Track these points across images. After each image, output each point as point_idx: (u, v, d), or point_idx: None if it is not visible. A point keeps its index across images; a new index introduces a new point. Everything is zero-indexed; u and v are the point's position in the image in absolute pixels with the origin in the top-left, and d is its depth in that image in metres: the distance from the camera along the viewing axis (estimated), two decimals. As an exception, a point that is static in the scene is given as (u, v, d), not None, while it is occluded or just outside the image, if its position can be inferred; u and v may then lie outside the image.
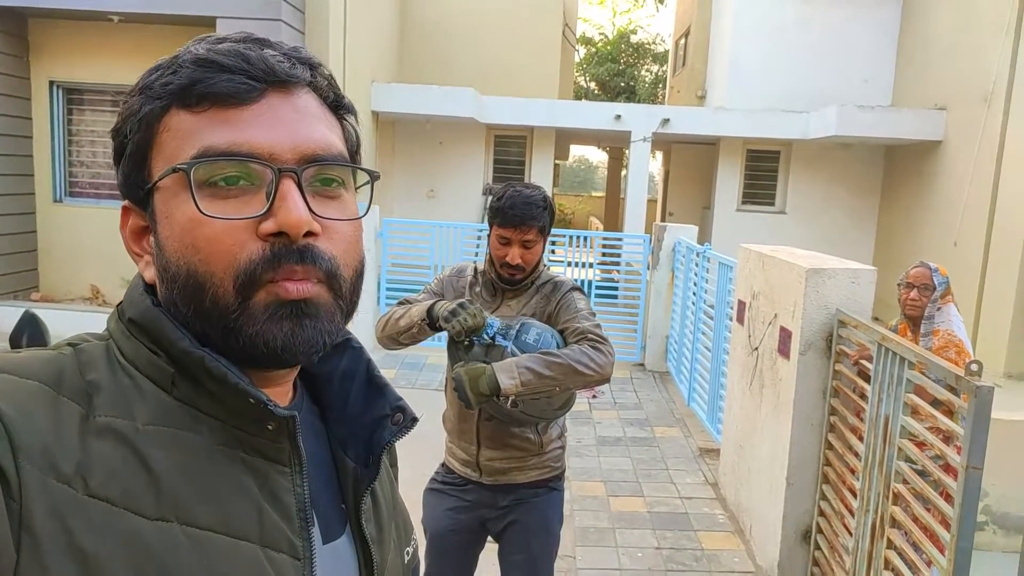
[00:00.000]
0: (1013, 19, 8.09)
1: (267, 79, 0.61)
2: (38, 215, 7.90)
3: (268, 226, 0.59)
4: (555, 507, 2.27)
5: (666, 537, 3.96)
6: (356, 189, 0.69)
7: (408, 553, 0.80)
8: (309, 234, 0.60)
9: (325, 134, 0.63)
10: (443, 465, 2.33)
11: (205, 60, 0.60)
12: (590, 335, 2.07)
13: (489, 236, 2.16)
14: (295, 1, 7.28)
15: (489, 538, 2.34)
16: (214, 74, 0.60)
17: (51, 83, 7.72)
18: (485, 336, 2.03)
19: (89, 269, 7.90)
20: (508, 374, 1.95)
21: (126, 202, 0.65)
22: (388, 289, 7.51)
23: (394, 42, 11.70)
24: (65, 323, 7.00)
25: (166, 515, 0.54)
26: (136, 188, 0.63)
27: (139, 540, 0.52)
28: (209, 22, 6.86)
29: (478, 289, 2.24)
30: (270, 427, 0.61)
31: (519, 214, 2.07)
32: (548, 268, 2.28)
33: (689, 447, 5.35)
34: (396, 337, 2.17)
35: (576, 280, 2.39)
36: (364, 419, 0.73)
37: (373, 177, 0.69)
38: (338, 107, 0.68)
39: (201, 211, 0.58)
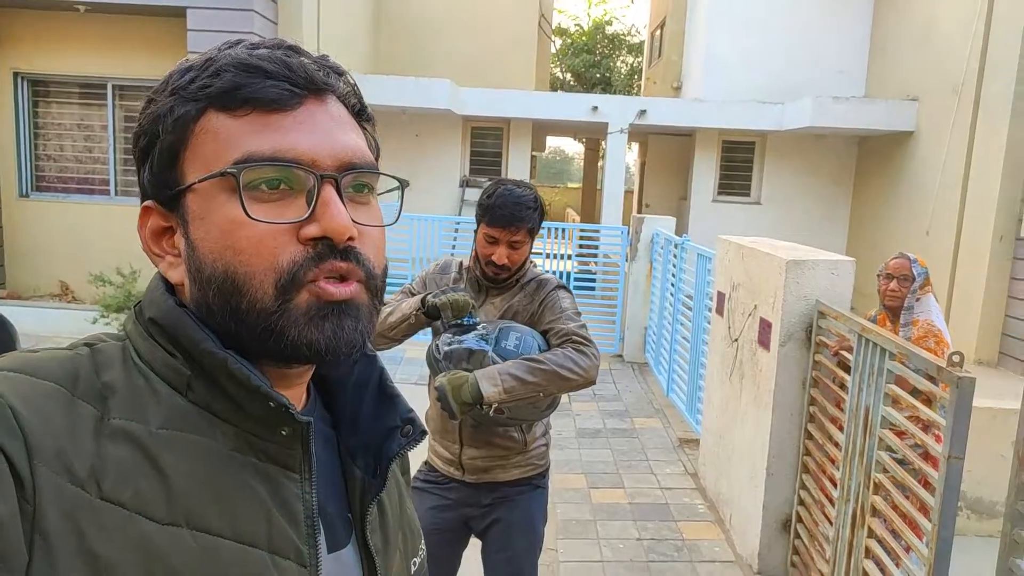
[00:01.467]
0: (983, 10, 8.19)
1: (307, 86, 0.62)
2: (3, 210, 7.72)
3: (311, 230, 0.60)
4: (539, 505, 2.25)
5: (647, 528, 3.97)
6: (378, 196, 0.70)
7: (415, 564, 0.80)
8: (349, 238, 0.61)
9: (358, 141, 0.65)
10: (425, 463, 2.30)
11: (249, 65, 0.61)
12: (574, 337, 2.05)
13: (476, 232, 2.13)
14: (267, -9, 7.15)
15: (473, 536, 2.32)
16: (259, 79, 0.61)
17: (15, 74, 7.54)
18: (469, 319, 2.02)
19: (57, 265, 7.74)
20: (491, 381, 1.93)
21: (148, 202, 0.65)
22: (365, 283, 7.44)
23: (369, 33, 11.58)
24: (33, 320, 6.85)
25: (177, 520, 0.55)
26: (164, 188, 0.63)
27: (150, 545, 0.53)
28: (179, 12, 6.74)
29: (462, 286, 2.21)
30: (284, 432, 0.62)
31: (508, 214, 2.03)
32: (534, 266, 2.25)
33: (669, 438, 5.37)
34: (386, 333, 2.14)
35: (554, 272, 2.37)
36: (374, 429, 0.74)
37: (403, 185, 0.70)
38: (362, 115, 0.70)
39: (248, 215, 0.59)
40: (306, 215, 0.60)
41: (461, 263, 2.26)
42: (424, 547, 0.84)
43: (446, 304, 2.00)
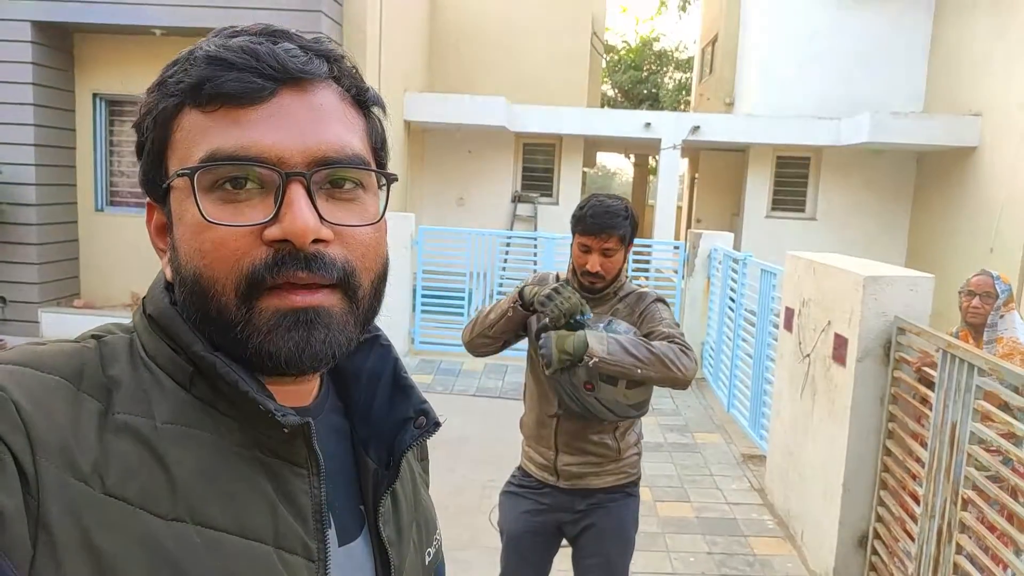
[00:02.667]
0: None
1: (278, 76, 0.58)
2: (80, 224, 8.07)
3: (273, 232, 0.57)
4: (631, 512, 2.30)
5: (716, 542, 3.97)
6: (380, 188, 0.66)
7: (429, 554, 0.79)
8: (318, 241, 0.58)
9: (340, 134, 0.60)
10: (519, 468, 2.37)
11: (215, 57, 0.58)
12: (676, 340, 2.10)
13: (571, 245, 2.21)
14: (333, 14, 7.40)
15: (564, 542, 2.37)
16: (223, 72, 0.57)
17: (94, 95, 7.89)
18: (583, 317, 2.04)
19: (129, 276, 8.04)
20: (598, 339, 1.98)
21: (148, 199, 0.65)
22: (423, 296, 7.58)
23: (424, 51, 11.82)
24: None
25: (181, 515, 0.54)
26: (155, 185, 0.62)
27: (154, 540, 0.52)
28: (251, 34, 7.00)
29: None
30: (285, 430, 0.60)
31: (599, 223, 2.12)
32: (631, 280, 2.31)
33: (732, 453, 5.35)
34: (487, 332, 2.20)
35: None
36: (388, 420, 0.72)
37: (390, 179, 0.66)
38: (362, 101, 0.65)
39: (204, 217, 0.57)
40: (270, 216, 0.57)
41: (558, 276, 2.34)
42: (439, 536, 0.82)
43: (558, 315, 2.01)
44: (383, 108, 0.68)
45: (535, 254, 7.92)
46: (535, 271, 2.33)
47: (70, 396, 0.54)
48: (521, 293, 2.13)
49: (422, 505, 0.80)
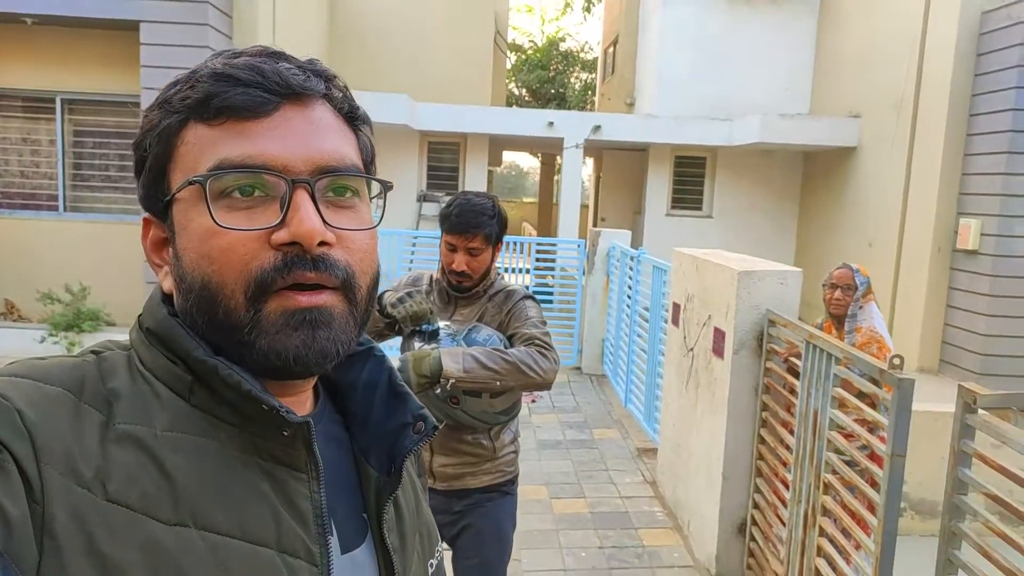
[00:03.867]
0: (918, 31, 8.59)
1: (282, 92, 0.62)
2: (-54, 226, 7.48)
3: (281, 235, 0.60)
4: (508, 511, 2.30)
5: (608, 536, 4.04)
6: (372, 199, 0.70)
7: (432, 565, 0.80)
8: (323, 244, 0.61)
9: (338, 145, 0.65)
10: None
11: (222, 74, 0.62)
12: (537, 341, 2.12)
13: (440, 243, 2.19)
14: (222, 5, 7.12)
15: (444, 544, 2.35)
16: (230, 87, 0.61)
17: (-41, 87, 7.33)
18: (429, 326, 2.06)
19: (3, 283, 7.51)
20: (452, 359, 1.98)
21: (147, 214, 0.67)
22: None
23: (324, 50, 11.56)
24: (-21, 340, 6.65)
25: (184, 520, 0.55)
26: (156, 200, 0.65)
27: (157, 545, 0.53)
28: (132, 25, 6.65)
29: (433, 297, 2.26)
30: (285, 433, 0.62)
31: (464, 221, 2.11)
32: (501, 277, 2.32)
33: (627, 447, 5.47)
34: None
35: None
36: (386, 428, 0.74)
37: (386, 187, 0.71)
38: (353, 118, 0.69)
39: (216, 222, 0.60)
40: (278, 221, 0.60)
41: (431, 276, 2.32)
42: (441, 549, 0.84)
43: (405, 317, 2.05)
44: (370, 126, 0.73)
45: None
46: (431, 271, 2.32)
47: (72, 407, 0.55)
48: (380, 298, 2.10)
49: (424, 516, 0.81)
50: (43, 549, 0.50)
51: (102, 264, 7.24)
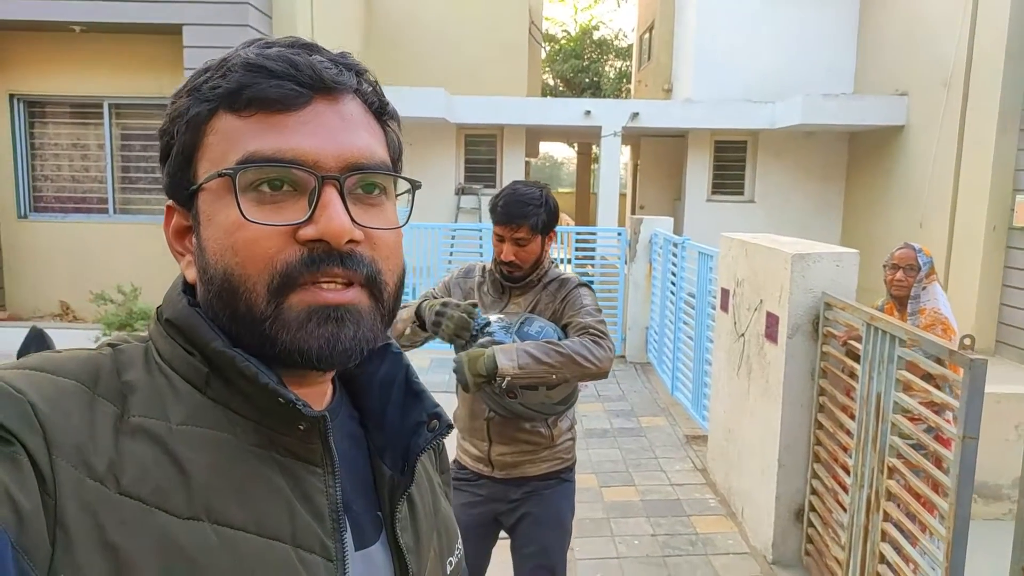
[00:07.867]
0: (969, 4, 8.31)
1: (314, 85, 0.61)
2: (2, 232, 7.72)
3: (308, 232, 0.59)
4: (567, 498, 2.29)
5: (660, 524, 4.01)
6: (397, 196, 0.69)
7: (451, 564, 0.79)
8: (350, 241, 0.60)
9: (368, 142, 0.64)
10: (455, 461, 2.35)
11: (254, 65, 0.60)
12: (592, 330, 2.10)
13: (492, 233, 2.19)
14: (261, 5, 7.21)
15: (502, 533, 2.35)
16: (263, 79, 0.60)
17: (11, 96, 7.55)
18: (477, 326, 2.04)
19: (58, 285, 7.74)
20: (507, 356, 1.97)
21: (170, 202, 0.66)
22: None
23: (361, 46, 11.64)
24: (38, 340, 6.85)
25: (198, 514, 0.54)
26: (181, 188, 0.64)
27: (170, 538, 0.53)
28: (175, 29, 6.77)
29: (486, 288, 2.26)
30: (301, 427, 0.61)
31: (509, 212, 2.10)
32: (556, 266, 2.30)
33: (676, 435, 5.42)
34: (397, 339, 2.18)
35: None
36: (401, 425, 0.73)
37: (415, 186, 0.69)
38: (382, 114, 0.68)
39: (244, 216, 0.58)
40: (306, 217, 0.59)
41: (484, 267, 2.32)
42: (461, 546, 0.82)
43: (451, 336, 2.03)
44: (399, 123, 0.71)
45: (480, 246, 7.88)
46: (483, 262, 2.31)
47: (86, 400, 0.55)
48: (419, 312, 2.09)
49: (442, 513, 0.80)
50: (55, 542, 0.49)
51: (151, 264, 7.39)
